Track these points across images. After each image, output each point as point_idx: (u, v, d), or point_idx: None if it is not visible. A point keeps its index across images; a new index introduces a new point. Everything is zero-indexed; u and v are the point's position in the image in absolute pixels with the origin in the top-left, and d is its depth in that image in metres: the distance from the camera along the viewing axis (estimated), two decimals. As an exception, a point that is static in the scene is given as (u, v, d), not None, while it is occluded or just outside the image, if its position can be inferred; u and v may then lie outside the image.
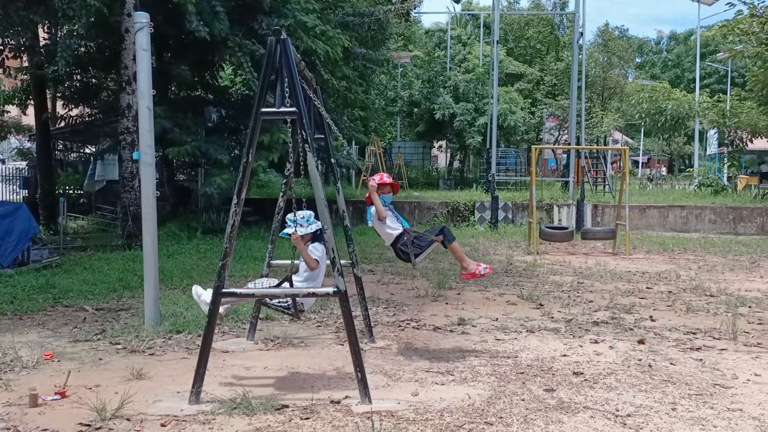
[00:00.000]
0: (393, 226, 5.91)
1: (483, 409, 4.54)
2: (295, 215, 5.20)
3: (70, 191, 20.51)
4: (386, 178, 6.06)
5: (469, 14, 41.87)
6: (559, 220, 17.45)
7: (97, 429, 4.18)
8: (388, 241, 6.01)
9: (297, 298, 5.17)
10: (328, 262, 5.33)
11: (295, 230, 5.13)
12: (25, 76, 17.25)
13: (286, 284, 5.25)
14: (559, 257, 13.34)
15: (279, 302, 5.33)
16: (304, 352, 6.08)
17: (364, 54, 18.06)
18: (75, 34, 14.12)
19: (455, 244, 5.90)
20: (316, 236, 5.26)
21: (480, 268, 5.93)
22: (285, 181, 6.34)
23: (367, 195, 5.94)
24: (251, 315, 6.51)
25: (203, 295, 5.36)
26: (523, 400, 4.76)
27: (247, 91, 17.49)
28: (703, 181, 24.79)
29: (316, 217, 5.13)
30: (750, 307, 8.34)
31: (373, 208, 5.89)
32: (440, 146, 39.60)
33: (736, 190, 26.19)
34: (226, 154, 14.76)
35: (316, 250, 5.20)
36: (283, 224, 6.40)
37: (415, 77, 33.36)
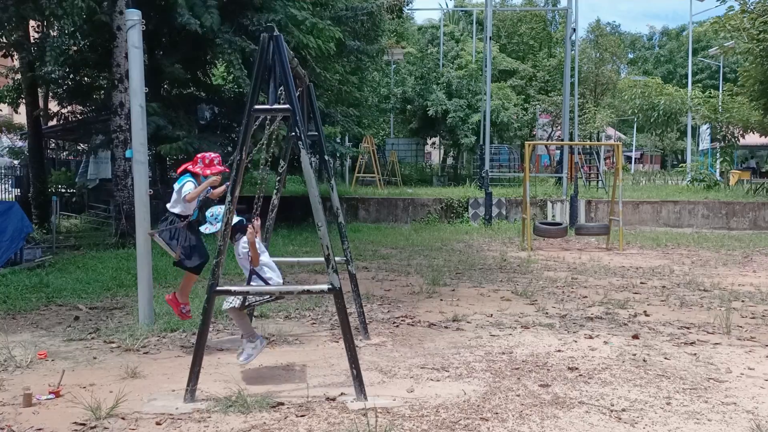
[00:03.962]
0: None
1: (478, 405, 4.55)
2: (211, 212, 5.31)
3: (63, 190, 20.39)
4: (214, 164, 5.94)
5: (461, 10, 41.87)
6: (553, 216, 17.46)
7: (92, 428, 4.17)
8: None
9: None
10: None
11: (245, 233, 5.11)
12: (17, 75, 17.11)
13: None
14: (553, 253, 13.37)
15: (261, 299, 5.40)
16: (299, 349, 6.07)
17: (358, 47, 17.97)
18: (65, 32, 14.01)
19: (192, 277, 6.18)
20: (237, 229, 5.20)
21: (185, 309, 6.17)
22: (279, 178, 6.33)
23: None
24: (246, 313, 6.49)
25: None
26: (518, 395, 4.77)
27: (238, 88, 17.43)
28: (696, 177, 24.88)
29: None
30: (743, 301, 8.38)
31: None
32: (433, 143, 39.62)
33: (729, 185, 26.30)
34: (219, 151, 14.67)
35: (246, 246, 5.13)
36: (277, 223, 6.40)
37: (407, 74, 33.36)
